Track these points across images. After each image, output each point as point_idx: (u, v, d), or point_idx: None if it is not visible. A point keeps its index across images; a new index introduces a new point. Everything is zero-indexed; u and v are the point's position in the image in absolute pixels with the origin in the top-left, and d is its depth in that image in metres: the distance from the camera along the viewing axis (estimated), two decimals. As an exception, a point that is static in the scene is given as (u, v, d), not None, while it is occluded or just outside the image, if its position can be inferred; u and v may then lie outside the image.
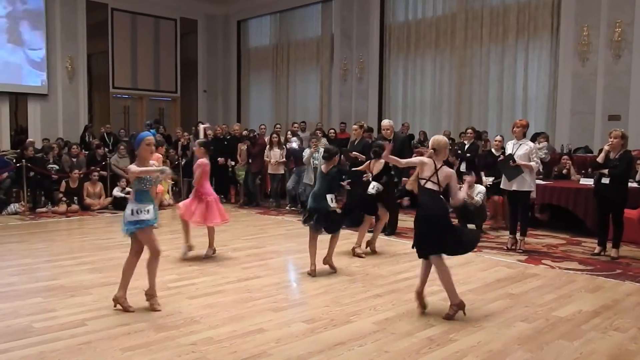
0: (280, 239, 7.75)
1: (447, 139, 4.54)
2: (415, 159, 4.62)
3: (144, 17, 16.31)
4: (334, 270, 5.74)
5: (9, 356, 3.47)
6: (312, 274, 5.56)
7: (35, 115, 14.30)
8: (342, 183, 6.03)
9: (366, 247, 6.80)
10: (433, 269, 4.43)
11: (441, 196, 4.38)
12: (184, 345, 3.69)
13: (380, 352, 3.65)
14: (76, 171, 10.25)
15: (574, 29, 10.53)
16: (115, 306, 4.39)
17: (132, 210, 4.26)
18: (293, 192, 10.51)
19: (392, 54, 13.86)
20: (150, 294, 4.46)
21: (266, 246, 7.21)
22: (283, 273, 5.88)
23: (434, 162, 4.34)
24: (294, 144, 10.44)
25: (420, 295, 4.49)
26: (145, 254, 4.46)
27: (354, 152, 7.99)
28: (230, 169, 11.46)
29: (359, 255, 6.47)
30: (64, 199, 9.86)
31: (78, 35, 14.86)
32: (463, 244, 4.43)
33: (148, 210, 4.29)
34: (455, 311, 4.33)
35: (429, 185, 4.33)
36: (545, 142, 9.99)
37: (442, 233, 4.29)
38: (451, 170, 4.45)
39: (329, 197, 5.54)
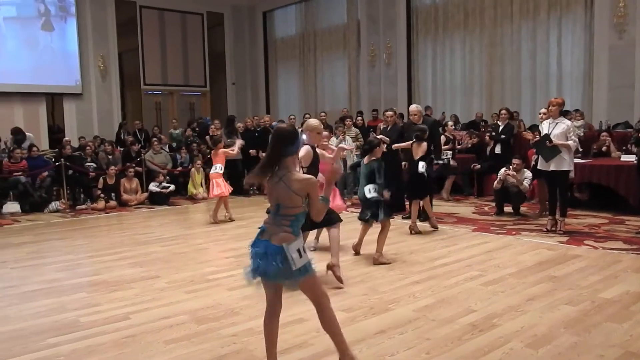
0: (315, 228, 7.76)
1: (317, 122, 4.88)
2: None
3: (171, 12, 16.46)
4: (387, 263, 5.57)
5: (58, 350, 3.56)
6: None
7: (70, 114, 14.63)
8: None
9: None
10: None
11: None
12: (226, 336, 3.73)
13: (422, 339, 3.61)
14: (112, 168, 10.44)
15: (609, 0, 10.16)
16: None
17: (299, 250, 2.86)
18: None
19: (419, 37, 13.65)
20: None
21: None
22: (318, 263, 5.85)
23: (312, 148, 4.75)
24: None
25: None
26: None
27: (379, 135, 8.03)
28: (262, 160, 11.51)
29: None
30: (102, 195, 10.06)
31: (108, 34, 15.09)
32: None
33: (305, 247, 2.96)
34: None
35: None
36: (582, 120, 9.73)
37: None
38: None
39: (367, 187, 5.52)
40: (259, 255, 2.86)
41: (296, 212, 2.88)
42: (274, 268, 2.81)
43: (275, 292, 3.01)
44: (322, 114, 12.47)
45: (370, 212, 5.54)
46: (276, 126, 3.12)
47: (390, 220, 5.74)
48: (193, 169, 11.14)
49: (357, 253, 5.92)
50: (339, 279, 4.77)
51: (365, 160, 5.67)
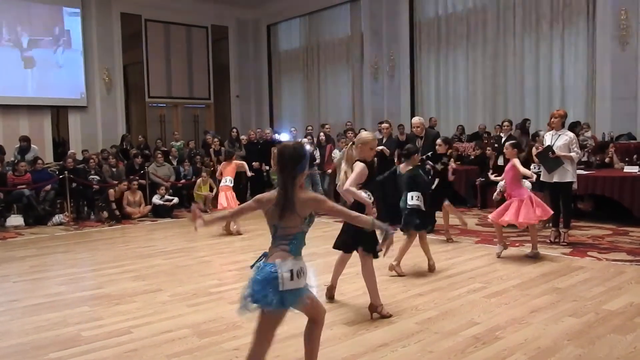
0: (318, 241, 7.72)
1: (371, 136, 4.41)
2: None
3: (176, 26, 16.61)
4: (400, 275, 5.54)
5: (60, 365, 3.57)
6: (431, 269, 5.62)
7: (75, 127, 14.72)
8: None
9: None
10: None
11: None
12: (228, 350, 3.72)
13: (425, 352, 3.59)
14: (125, 183, 10.44)
15: (612, 13, 10.20)
16: None
17: (292, 273, 2.66)
18: None
19: (422, 49, 13.71)
20: None
21: (304, 248, 7.19)
22: (323, 275, 5.85)
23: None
24: (306, 147, 10.40)
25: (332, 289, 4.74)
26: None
27: (380, 147, 8.05)
28: (265, 173, 11.57)
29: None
30: (116, 211, 9.95)
31: (114, 47, 15.23)
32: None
33: (304, 271, 2.78)
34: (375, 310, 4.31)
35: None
36: (589, 131, 9.77)
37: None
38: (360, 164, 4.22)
39: (409, 195, 5.46)
40: (255, 280, 2.69)
41: (294, 232, 2.74)
42: (260, 285, 2.63)
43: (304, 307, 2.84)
44: (327, 126, 12.50)
45: (410, 221, 5.46)
46: (280, 145, 2.82)
47: (423, 232, 5.64)
48: (199, 180, 11.16)
49: (398, 274, 5.54)
50: (387, 315, 4.30)
51: (402, 168, 5.60)
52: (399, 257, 5.56)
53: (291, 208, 2.68)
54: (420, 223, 5.50)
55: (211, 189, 11.05)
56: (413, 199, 5.44)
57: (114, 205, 10.04)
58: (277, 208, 2.71)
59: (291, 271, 2.66)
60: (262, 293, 2.62)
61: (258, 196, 2.85)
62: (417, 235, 5.62)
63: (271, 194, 2.78)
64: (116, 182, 10.68)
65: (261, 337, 2.75)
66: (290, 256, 2.70)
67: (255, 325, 2.75)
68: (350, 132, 10.80)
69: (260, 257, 2.78)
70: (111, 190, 10.17)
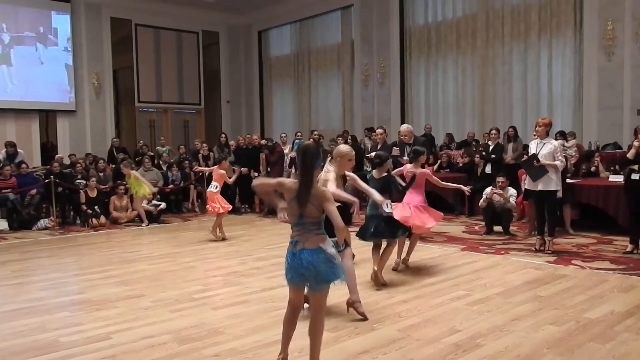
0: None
1: (349, 149, 4.42)
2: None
3: (166, 31, 16.57)
4: (383, 284, 5.46)
5: (36, 371, 3.52)
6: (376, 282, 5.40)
7: (64, 131, 14.63)
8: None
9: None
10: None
11: None
12: (208, 356, 3.69)
13: (405, 359, 3.58)
14: (93, 179, 10.32)
15: (598, 23, 10.31)
16: None
17: (333, 246, 3.25)
18: None
19: (413, 57, 13.77)
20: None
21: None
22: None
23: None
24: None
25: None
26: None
27: (372, 153, 8.05)
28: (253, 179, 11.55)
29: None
30: (88, 210, 9.92)
31: (103, 52, 15.18)
32: None
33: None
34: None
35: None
36: (574, 140, 9.82)
37: None
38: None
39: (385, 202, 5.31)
40: (302, 266, 3.09)
41: (319, 218, 3.15)
42: (324, 268, 3.09)
43: (299, 295, 3.30)
44: (316, 132, 12.49)
45: (382, 229, 5.35)
46: (303, 144, 3.32)
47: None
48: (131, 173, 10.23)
49: (383, 283, 5.43)
50: (363, 315, 4.37)
51: (376, 174, 5.51)
52: (381, 266, 5.50)
53: (309, 199, 3.09)
54: (399, 231, 5.50)
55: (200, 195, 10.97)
56: (388, 206, 5.31)
57: (84, 207, 9.96)
58: (298, 199, 3.10)
59: (333, 246, 3.19)
60: (331, 271, 3.12)
61: (281, 180, 3.30)
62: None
63: (292, 182, 3.19)
64: (103, 186, 10.61)
65: (322, 310, 3.28)
66: (325, 237, 3.17)
67: (313, 302, 3.28)
68: (340, 138, 10.81)
69: (294, 242, 3.17)
70: (81, 193, 10.07)
